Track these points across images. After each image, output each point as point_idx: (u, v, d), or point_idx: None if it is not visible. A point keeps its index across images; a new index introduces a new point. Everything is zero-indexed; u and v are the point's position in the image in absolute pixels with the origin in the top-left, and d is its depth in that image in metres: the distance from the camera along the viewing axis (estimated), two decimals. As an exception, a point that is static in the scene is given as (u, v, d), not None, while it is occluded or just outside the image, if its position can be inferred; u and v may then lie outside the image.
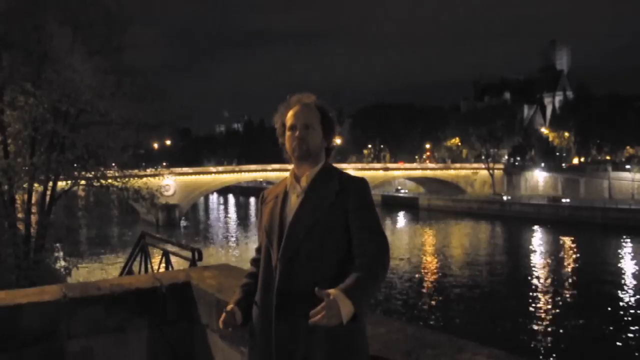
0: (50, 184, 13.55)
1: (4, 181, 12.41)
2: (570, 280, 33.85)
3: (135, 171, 17.13)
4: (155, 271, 6.11)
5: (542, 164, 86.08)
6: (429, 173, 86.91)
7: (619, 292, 30.38)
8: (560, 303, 28.04)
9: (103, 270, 29.68)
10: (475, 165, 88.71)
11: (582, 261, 39.56)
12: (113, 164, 15.10)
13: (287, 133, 2.12)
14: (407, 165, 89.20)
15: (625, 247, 45.98)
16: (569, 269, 37.65)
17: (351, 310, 1.76)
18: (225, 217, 79.01)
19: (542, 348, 21.13)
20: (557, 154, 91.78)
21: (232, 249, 47.57)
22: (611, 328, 23.33)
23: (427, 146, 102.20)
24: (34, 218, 13.48)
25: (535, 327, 23.65)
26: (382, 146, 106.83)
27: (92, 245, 42.22)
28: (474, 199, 76.81)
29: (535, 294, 29.96)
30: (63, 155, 13.03)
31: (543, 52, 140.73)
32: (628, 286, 31.97)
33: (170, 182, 62.95)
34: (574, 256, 42.62)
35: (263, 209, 2.18)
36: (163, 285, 3.69)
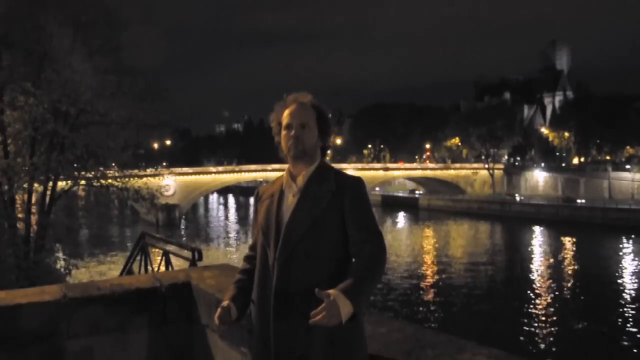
0: (50, 184, 13.56)
1: (4, 181, 12.42)
2: (570, 280, 33.86)
3: (135, 171, 17.15)
4: (155, 271, 6.11)
5: (542, 164, 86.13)
6: (429, 173, 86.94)
7: (619, 292, 30.38)
8: (560, 303, 28.04)
9: (103, 270, 29.71)
10: (475, 165, 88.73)
11: (582, 261, 39.55)
12: (113, 164, 15.11)
13: (283, 132, 2.13)
14: (407, 165, 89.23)
15: (625, 247, 45.98)
16: (569, 269, 37.65)
17: (350, 310, 1.79)
18: (225, 217, 79.02)
19: (542, 348, 21.13)
20: (557, 154, 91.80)
21: (232, 249, 47.56)
22: (611, 328, 23.34)
23: (427, 146, 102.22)
24: (34, 218, 13.49)
25: (535, 327, 23.64)
26: (382, 146, 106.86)
27: (92, 245, 42.26)
28: (474, 199, 76.76)
29: (535, 294, 29.96)
30: (63, 155, 13.04)
31: (543, 52, 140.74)
32: (628, 286, 31.97)
33: (170, 182, 62.95)
34: (573, 256, 42.62)
35: (259, 207, 2.19)
36: (163, 285, 3.69)
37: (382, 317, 2.89)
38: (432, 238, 53.78)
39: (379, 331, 2.57)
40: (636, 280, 33.46)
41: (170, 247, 6.43)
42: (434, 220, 65.50)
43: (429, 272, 36.84)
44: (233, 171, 78.64)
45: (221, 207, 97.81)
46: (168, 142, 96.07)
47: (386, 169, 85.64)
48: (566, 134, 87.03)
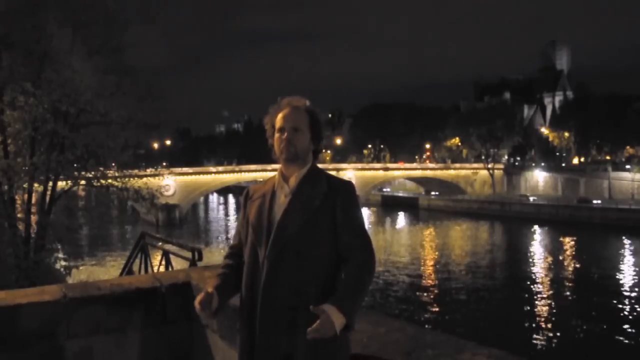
0: (50, 184, 13.54)
1: (4, 181, 12.40)
2: (569, 280, 33.87)
3: (135, 171, 17.15)
4: (155, 271, 6.11)
5: (542, 164, 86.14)
6: (429, 173, 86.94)
7: (619, 292, 30.38)
8: (560, 303, 28.05)
9: (103, 270, 29.71)
10: (475, 165, 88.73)
11: (582, 261, 39.56)
12: (113, 164, 15.10)
13: (276, 135, 2.17)
14: (407, 165, 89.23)
15: (625, 247, 45.97)
16: (569, 269, 37.66)
17: (343, 322, 1.91)
18: (225, 217, 79.00)
19: (542, 348, 21.14)
20: (557, 154, 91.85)
21: (232, 249, 47.47)
22: (611, 328, 23.34)
23: (427, 146, 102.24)
24: (34, 218, 13.47)
25: (535, 327, 23.65)
26: (382, 146, 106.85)
27: (92, 245, 42.22)
28: (474, 199, 76.74)
29: (535, 294, 29.98)
30: (63, 155, 13.02)
31: (543, 52, 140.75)
32: (628, 286, 31.97)
33: (170, 182, 62.98)
34: (573, 256, 42.63)
35: (249, 206, 2.21)
36: (163, 285, 3.69)
37: (382, 317, 2.89)
38: (432, 238, 53.78)
39: (379, 331, 2.57)
40: (636, 280, 33.46)
41: (170, 247, 6.44)
42: (434, 221, 65.50)
43: (429, 272, 36.84)
44: (233, 171, 78.65)
45: (221, 207, 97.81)
46: (168, 142, 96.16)
47: (386, 169, 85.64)
48: (566, 134, 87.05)
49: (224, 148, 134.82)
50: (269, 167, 72.85)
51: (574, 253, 43.98)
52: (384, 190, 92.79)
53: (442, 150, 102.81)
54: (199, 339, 3.57)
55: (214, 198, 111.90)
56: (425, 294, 30.15)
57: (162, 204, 42.73)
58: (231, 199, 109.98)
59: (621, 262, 39.72)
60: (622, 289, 31.31)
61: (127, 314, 3.53)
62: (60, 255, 14.90)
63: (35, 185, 13.34)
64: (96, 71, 13.30)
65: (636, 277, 34.42)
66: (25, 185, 12.90)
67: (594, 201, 65.86)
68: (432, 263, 40.47)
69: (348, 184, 2.16)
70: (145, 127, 15.29)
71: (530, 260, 41.52)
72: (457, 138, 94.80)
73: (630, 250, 44.43)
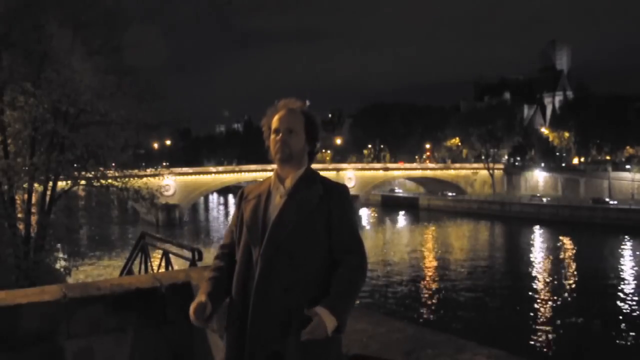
0: (50, 184, 13.54)
1: (4, 181, 12.40)
2: (569, 280, 33.87)
3: (135, 171, 17.14)
4: (155, 271, 6.11)
5: (542, 164, 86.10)
6: (429, 173, 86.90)
7: (619, 292, 30.39)
8: (560, 303, 28.05)
9: (103, 270, 29.74)
10: (475, 165, 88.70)
11: (582, 261, 39.55)
12: (113, 164, 15.10)
13: (272, 136, 2.21)
14: (407, 165, 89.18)
15: (625, 247, 45.96)
16: (569, 269, 37.67)
17: (335, 324, 1.96)
18: (225, 217, 78.98)
19: (542, 348, 21.14)
20: (557, 154, 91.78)
21: (232, 249, 47.47)
22: (611, 328, 23.34)
23: (427, 146, 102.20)
24: (34, 218, 13.46)
25: (536, 327, 23.65)
26: (382, 146, 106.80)
27: (92, 245, 42.24)
28: (474, 199, 76.70)
29: (535, 294, 29.97)
30: (63, 155, 13.01)
31: (543, 52, 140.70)
32: (628, 286, 31.97)
33: (170, 182, 62.95)
34: (573, 256, 42.62)
35: (244, 206, 2.24)
36: (163, 285, 3.69)
37: (382, 317, 2.89)
38: (432, 238, 53.78)
39: (379, 331, 2.57)
40: (636, 280, 33.46)
41: (170, 247, 6.42)
42: (434, 221, 65.50)
43: (429, 272, 36.84)
44: (233, 171, 78.60)
45: (221, 207, 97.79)
46: (168, 142, 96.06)
47: (386, 169, 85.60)
48: (566, 134, 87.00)
49: (224, 148, 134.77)
50: (269, 167, 72.67)
51: (574, 253, 43.97)
52: (397, 190, 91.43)
53: (442, 150, 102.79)
54: (199, 339, 3.57)
55: (214, 198, 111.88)
56: (425, 294, 30.15)
57: (162, 204, 42.76)
58: (231, 199, 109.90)
59: (620, 262, 39.70)
60: (623, 289, 31.30)
61: (127, 314, 3.53)
62: (60, 255, 14.90)
63: (35, 185, 13.34)
64: (96, 71, 13.30)
65: (636, 277, 34.41)
66: (25, 185, 12.90)
67: (611, 202, 64.32)
68: (432, 263, 40.47)
69: (343, 187, 2.19)
70: (145, 127, 15.29)
71: (531, 260, 41.51)
72: (457, 138, 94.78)
73: (631, 250, 44.41)
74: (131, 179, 15.18)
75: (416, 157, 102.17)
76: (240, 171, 78.14)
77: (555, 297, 29.15)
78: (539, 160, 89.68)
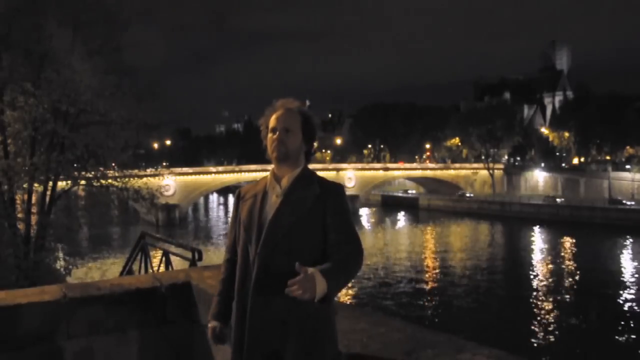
0: (50, 184, 13.55)
1: (4, 181, 12.41)
2: (570, 280, 33.86)
3: (135, 171, 17.15)
4: (155, 271, 6.11)
5: (542, 164, 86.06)
6: (429, 173, 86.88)
7: (619, 292, 30.37)
8: (560, 303, 28.04)
9: (103, 270, 29.73)
10: (475, 165, 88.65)
11: (582, 261, 39.53)
12: (113, 164, 15.10)
13: (269, 135, 2.23)
14: (407, 165, 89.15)
15: (625, 247, 45.95)
16: (569, 269, 37.64)
17: (324, 289, 1.90)
18: (225, 217, 78.97)
19: (542, 348, 21.13)
20: (557, 154, 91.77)
21: (232, 249, 47.40)
22: (611, 328, 23.33)
23: (427, 146, 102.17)
24: (34, 218, 13.47)
25: (536, 327, 23.64)
26: (382, 146, 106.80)
27: (92, 245, 42.24)
28: (474, 199, 76.67)
29: (535, 294, 29.96)
30: (63, 155, 13.03)
31: (543, 52, 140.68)
32: (628, 286, 31.96)
33: (170, 182, 62.94)
34: (573, 256, 42.60)
35: (241, 206, 2.26)
36: (163, 285, 3.69)
37: (382, 317, 2.89)
38: (432, 238, 53.77)
39: (379, 331, 2.57)
40: (636, 280, 33.46)
41: (170, 247, 6.43)
42: (433, 221, 65.49)
43: (429, 272, 36.84)
44: (233, 171, 78.58)
45: (221, 207, 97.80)
46: (168, 142, 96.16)
47: (386, 169, 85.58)
48: (566, 134, 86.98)
49: (224, 148, 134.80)
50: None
51: (574, 253, 43.96)
52: (409, 192, 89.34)
53: (442, 150, 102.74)
54: (199, 339, 3.57)
55: (214, 198, 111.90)
56: (425, 294, 30.14)
57: (162, 204, 42.78)
58: (231, 199, 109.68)
59: (620, 262, 39.69)
60: (623, 289, 31.29)
61: (127, 314, 3.53)
62: (60, 255, 14.90)
63: (35, 185, 13.35)
64: (96, 71, 13.32)
65: (636, 277, 34.40)
66: (25, 185, 12.91)
67: (628, 203, 62.08)
68: (432, 263, 40.46)
69: (339, 186, 2.20)
70: (145, 127, 15.31)
71: (531, 260, 41.49)
72: (457, 138, 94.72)
73: (631, 250, 44.39)
74: (131, 179, 15.20)
75: (416, 157, 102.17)
76: (240, 171, 78.13)
77: (556, 297, 29.14)
78: (539, 160, 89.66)
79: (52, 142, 13.33)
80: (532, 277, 34.96)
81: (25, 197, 13.34)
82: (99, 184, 14.20)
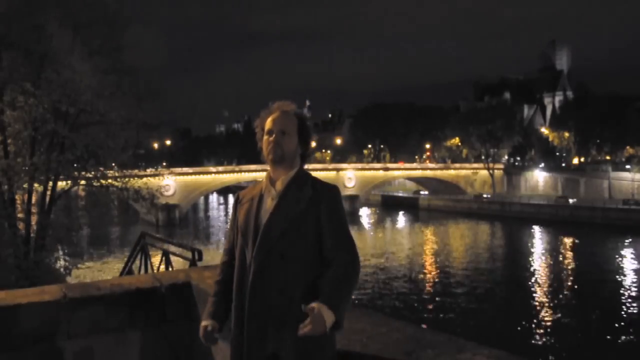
0: (50, 184, 13.56)
1: (4, 181, 12.41)
2: (570, 280, 33.85)
3: (135, 171, 17.15)
4: (155, 271, 6.11)
5: (542, 164, 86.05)
6: (429, 173, 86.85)
7: (619, 292, 30.36)
8: (560, 303, 28.03)
9: (103, 270, 29.69)
10: (475, 165, 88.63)
11: (582, 261, 39.53)
12: (113, 164, 15.10)
13: (265, 137, 2.24)
14: (407, 165, 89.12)
15: (625, 247, 45.93)
16: (569, 269, 37.64)
17: (333, 319, 1.96)
18: (225, 217, 78.98)
19: (542, 348, 21.12)
20: (557, 154, 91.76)
21: (232, 249, 47.37)
22: (611, 328, 23.33)
23: (427, 146, 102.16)
24: (34, 218, 13.48)
25: (536, 327, 23.64)
26: (382, 146, 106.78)
27: (92, 245, 42.19)
28: (474, 199, 76.61)
29: (535, 294, 29.97)
30: (63, 155, 13.03)
31: (543, 52, 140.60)
32: (628, 286, 31.96)
33: (170, 182, 62.94)
34: (574, 256, 42.60)
35: (238, 210, 2.28)
36: (163, 285, 3.69)
37: (382, 317, 2.89)
38: (432, 238, 53.76)
39: (379, 331, 2.57)
40: (636, 280, 33.45)
41: (170, 247, 6.43)
42: (434, 221, 65.49)
43: (429, 272, 36.82)
44: (233, 171, 78.58)
45: (221, 207, 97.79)
46: (168, 142, 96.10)
47: (386, 169, 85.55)
48: (566, 134, 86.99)
49: (224, 148, 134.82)
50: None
51: (574, 253, 43.96)
52: (422, 193, 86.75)
53: (442, 150, 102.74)
54: (199, 339, 3.56)
55: (214, 198, 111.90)
56: (425, 294, 30.14)
57: (162, 204, 42.76)
58: (231, 199, 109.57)
59: (620, 262, 39.67)
60: (624, 289, 31.29)
61: (127, 314, 3.53)
62: (60, 255, 14.90)
63: (35, 185, 13.35)
64: (96, 71, 13.33)
65: (636, 277, 34.39)
66: (25, 185, 12.91)
67: None
68: (432, 263, 40.44)
69: (333, 188, 2.21)
70: (145, 127, 15.31)
71: (531, 260, 41.48)
72: (457, 138, 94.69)
73: (631, 250, 44.37)
74: (131, 179, 15.20)
75: (416, 157, 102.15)
76: (240, 171, 78.14)
77: (556, 297, 29.13)
78: (539, 160, 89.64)
79: (52, 142, 13.33)
80: (531, 276, 34.93)
81: (25, 197, 13.35)
82: (99, 184, 14.20)
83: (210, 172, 76.85)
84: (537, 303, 28.08)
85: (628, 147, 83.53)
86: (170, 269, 5.89)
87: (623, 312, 26.15)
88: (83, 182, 14.28)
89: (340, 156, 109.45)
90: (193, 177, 72.18)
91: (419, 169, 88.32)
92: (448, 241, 51.58)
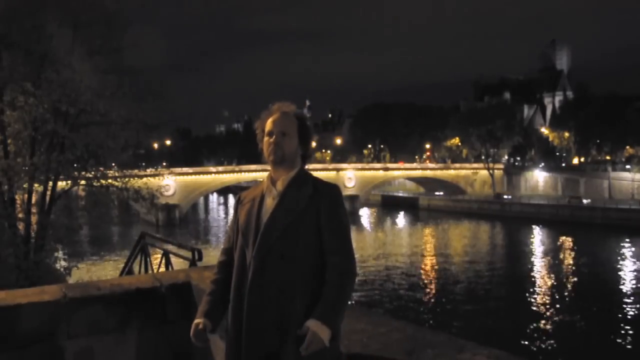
0: (50, 184, 13.54)
1: (4, 181, 12.40)
2: (570, 280, 33.85)
3: (135, 171, 17.15)
4: (155, 271, 6.11)
5: (542, 164, 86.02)
6: (429, 173, 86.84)
7: (619, 292, 30.37)
8: (560, 303, 28.03)
9: (103, 270, 29.71)
10: (475, 165, 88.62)
11: (582, 261, 39.53)
12: (113, 164, 15.10)
13: (265, 138, 2.25)
14: (407, 165, 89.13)
15: (625, 247, 45.92)
16: (569, 269, 37.64)
17: (329, 334, 2.00)
18: (225, 217, 78.98)
19: (542, 348, 21.13)
20: (557, 154, 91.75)
21: (232, 249, 47.39)
22: (611, 328, 23.33)
23: (427, 146, 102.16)
24: (34, 218, 13.46)
25: (536, 327, 23.64)
26: (382, 146, 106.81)
27: (92, 245, 42.22)
28: (474, 199, 76.60)
29: (535, 294, 29.97)
30: (63, 155, 13.01)
31: (543, 52, 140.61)
32: (628, 286, 31.96)
33: (170, 182, 62.92)
34: (573, 256, 42.59)
35: (239, 210, 2.28)
36: (163, 285, 3.69)
37: (382, 317, 2.89)
38: (432, 238, 53.77)
39: (379, 331, 2.57)
40: (636, 281, 33.45)
41: (170, 247, 6.43)
42: (434, 221, 65.49)
43: (429, 272, 36.83)
44: (233, 171, 78.57)
45: (221, 207, 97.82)
46: (168, 142, 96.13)
47: (386, 169, 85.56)
48: (566, 134, 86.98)
49: (224, 148, 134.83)
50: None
51: (574, 253, 43.95)
52: (437, 193, 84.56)
53: (442, 150, 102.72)
54: (199, 339, 3.56)
55: (214, 198, 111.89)
56: (425, 294, 30.14)
57: (162, 204, 42.71)
58: (231, 199, 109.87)
59: (620, 262, 39.66)
60: (624, 289, 31.29)
61: (127, 314, 3.53)
62: (60, 255, 14.90)
63: (35, 185, 13.34)
64: (96, 71, 13.33)
65: (636, 277, 34.40)
66: (25, 185, 12.90)
67: None
68: (432, 263, 40.45)
69: (334, 187, 2.21)
70: (145, 127, 15.30)
71: (531, 260, 41.47)
72: (457, 138, 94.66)
73: (631, 250, 44.37)
74: (131, 179, 15.18)
75: (416, 157, 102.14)
76: (240, 171, 78.13)
77: (556, 297, 29.13)
78: (539, 160, 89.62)
79: (52, 142, 13.32)
80: (531, 277, 34.94)
81: (25, 197, 13.33)
82: (99, 184, 14.19)
83: (210, 172, 76.84)
84: (537, 303, 28.08)
85: (628, 147, 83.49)
86: (170, 269, 5.89)
87: (623, 312, 26.15)
88: (83, 182, 14.27)
89: (340, 156, 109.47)
90: (193, 177, 72.18)
91: (419, 169, 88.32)
92: (448, 241, 51.59)
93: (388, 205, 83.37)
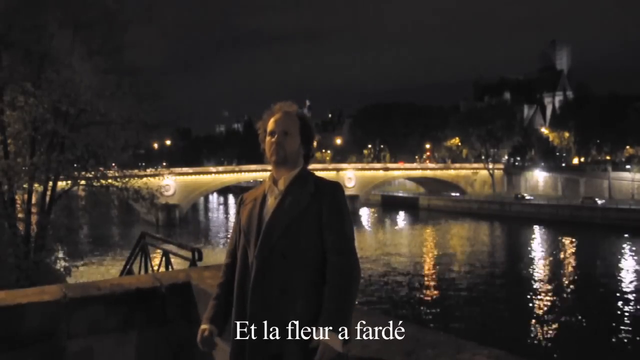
0: (50, 184, 13.53)
1: (4, 181, 12.39)
2: (570, 280, 33.85)
3: (135, 171, 17.14)
4: (155, 271, 6.11)
5: (542, 164, 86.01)
6: (429, 173, 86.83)
7: (619, 292, 30.36)
8: (560, 303, 28.04)
9: (103, 270, 29.69)
10: (475, 165, 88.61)
11: (582, 261, 39.55)
12: (113, 164, 15.09)
13: (267, 138, 2.25)
14: (407, 165, 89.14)
15: (625, 247, 45.91)
16: (569, 269, 37.65)
17: (340, 340, 1.97)
18: (225, 217, 78.97)
19: (542, 348, 21.13)
20: (557, 154, 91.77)
21: (232, 249, 47.36)
22: (611, 328, 23.33)
23: (427, 146, 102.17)
24: (34, 218, 13.46)
25: (536, 327, 23.65)
26: (382, 146, 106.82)
27: (92, 245, 42.20)
28: (474, 199, 76.56)
29: (535, 294, 29.96)
30: (63, 155, 13.01)
31: (543, 52, 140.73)
32: (628, 286, 31.95)
33: (170, 182, 62.92)
34: (574, 256, 42.61)
35: (242, 211, 2.28)
36: (163, 285, 3.69)
37: (382, 317, 2.89)
38: (432, 238, 53.74)
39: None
40: (636, 280, 33.44)
41: (170, 247, 6.42)
42: (434, 221, 65.47)
43: (429, 272, 36.83)
44: (233, 171, 78.56)
45: (221, 207, 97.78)
46: (168, 142, 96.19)
47: (386, 169, 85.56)
48: (566, 134, 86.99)
49: (224, 148, 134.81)
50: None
51: (574, 253, 43.95)
52: (453, 194, 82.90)
53: (442, 150, 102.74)
54: (199, 339, 3.56)
55: (214, 198, 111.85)
56: (425, 294, 30.14)
57: (162, 204, 42.68)
58: (231, 199, 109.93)
59: (620, 262, 39.65)
60: (624, 288, 31.29)
61: (127, 314, 3.53)
62: (60, 255, 14.90)
63: (35, 185, 13.33)
64: (96, 71, 13.33)
65: (636, 277, 34.39)
66: (25, 185, 12.89)
67: None
68: (432, 263, 40.45)
69: (336, 185, 2.20)
70: (145, 127, 15.29)
71: (531, 260, 41.48)
72: (457, 138, 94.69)
73: (631, 250, 44.35)
74: (131, 179, 15.17)
75: (416, 157, 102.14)
76: (240, 171, 78.13)
77: (555, 297, 29.14)
78: (539, 160, 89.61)
79: (52, 142, 13.31)
80: (531, 277, 34.94)
81: (25, 197, 13.32)
82: (99, 184, 14.18)
83: (210, 172, 76.83)
84: (537, 303, 28.07)
85: (628, 147, 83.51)
86: (170, 269, 5.89)
87: (623, 312, 26.14)
88: (83, 182, 14.25)
89: (340, 156, 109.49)
90: (193, 177, 72.17)
91: (419, 169, 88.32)
92: (448, 241, 51.56)
93: (388, 205, 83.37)
